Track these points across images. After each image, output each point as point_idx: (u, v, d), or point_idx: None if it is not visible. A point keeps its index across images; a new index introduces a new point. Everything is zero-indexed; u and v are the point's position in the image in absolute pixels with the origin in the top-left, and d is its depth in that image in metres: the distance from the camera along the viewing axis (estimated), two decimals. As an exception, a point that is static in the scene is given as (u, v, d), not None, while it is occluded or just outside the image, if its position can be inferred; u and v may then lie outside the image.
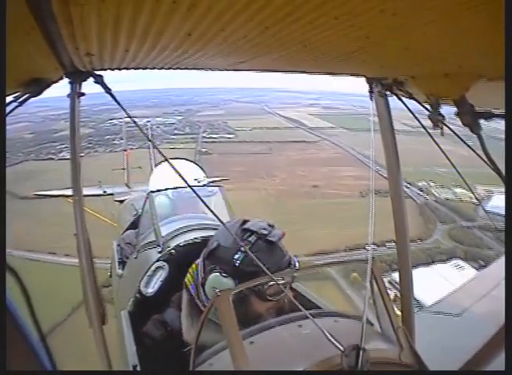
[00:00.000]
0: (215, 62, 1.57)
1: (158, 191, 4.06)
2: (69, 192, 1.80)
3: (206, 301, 1.93)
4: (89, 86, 1.63)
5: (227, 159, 70.97)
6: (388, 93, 1.88)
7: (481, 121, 1.48)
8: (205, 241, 2.14)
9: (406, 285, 2.09)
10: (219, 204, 3.88)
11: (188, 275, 2.08)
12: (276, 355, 1.35)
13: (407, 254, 2.08)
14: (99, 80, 1.59)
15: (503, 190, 1.15)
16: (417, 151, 47.83)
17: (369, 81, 1.91)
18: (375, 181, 1.85)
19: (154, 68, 1.62)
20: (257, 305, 1.83)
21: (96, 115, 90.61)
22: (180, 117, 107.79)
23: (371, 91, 1.92)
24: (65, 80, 1.59)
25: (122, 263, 4.19)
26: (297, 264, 1.94)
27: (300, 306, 1.40)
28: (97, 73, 1.58)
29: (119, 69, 1.56)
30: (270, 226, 1.94)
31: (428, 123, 1.65)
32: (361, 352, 1.22)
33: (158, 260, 2.86)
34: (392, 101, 1.90)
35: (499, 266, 4.44)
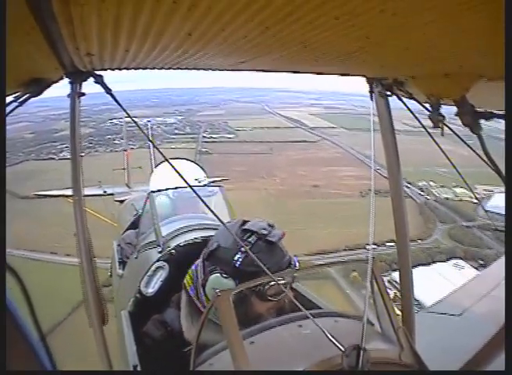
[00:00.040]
0: (216, 62, 1.57)
1: (159, 191, 4.06)
2: (70, 192, 1.80)
3: (206, 301, 1.93)
4: (90, 86, 1.63)
5: (227, 159, 71.06)
6: (388, 93, 1.87)
7: (482, 121, 1.48)
8: (205, 241, 2.14)
9: (406, 285, 2.08)
10: (220, 204, 3.88)
11: (187, 276, 2.08)
12: (276, 355, 1.35)
13: (407, 254, 2.08)
14: (99, 80, 1.59)
15: (503, 189, 1.15)
16: (417, 151, 47.87)
17: (369, 81, 1.91)
18: (375, 181, 1.85)
19: (154, 68, 1.61)
20: (257, 305, 1.83)
21: (97, 115, 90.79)
22: (181, 117, 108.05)
23: (371, 91, 1.91)
24: (66, 80, 1.59)
25: (123, 263, 4.19)
26: (297, 264, 1.94)
27: (300, 306, 1.41)
28: (98, 73, 1.58)
29: (120, 69, 1.56)
30: (270, 226, 1.94)
31: (428, 122, 1.65)
32: (362, 352, 1.22)
33: (158, 260, 2.86)
34: (393, 100, 1.90)
35: (499, 266, 4.43)
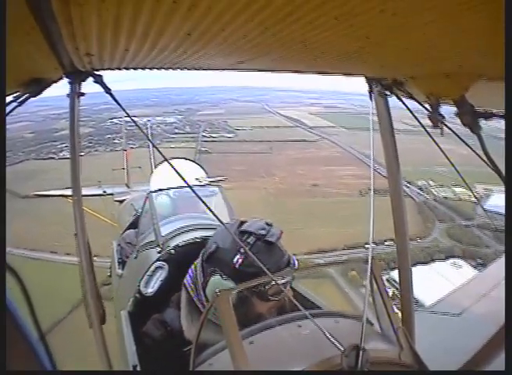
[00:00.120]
0: (215, 62, 1.57)
1: (158, 190, 4.06)
2: (69, 192, 1.80)
3: (206, 302, 1.93)
4: (90, 85, 1.63)
5: (227, 158, 71.03)
6: (387, 93, 1.87)
7: (481, 121, 1.48)
8: (205, 240, 2.15)
9: (406, 285, 2.08)
10: (219, 204, 3.88)
11: (187, 276, 2.08)
12: (276, 355, 1.35)
13: (406, 253, 2.07)
14: (99, 80, 1.59)
15: (502, 189, 1.15)
16: (417, 151, 47.89)
17: (369, 81, 1.91)
18: (374, 180, 1.85)
19: (153, 68, 1.61)
20: (257, 305, 1.83)
21: (97, 114, 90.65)
22: (180, 116, 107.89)
23: (370, 91, 1.92)
24: (66, 80, 1.59)
25: (122, 263, 4.19)
26: (296, 263, 1.94)
27: (299, 306, 1.41)
28: (97, 72, 1.58)
29: (119, 69, 1.56)
30: (268, 225, 1.94)
31: (428, 122, 1.65)
32: (361, 352, 1.22)
33: (157, 260, 2.86)
34: (393, 100, 1.90)
35: (499, 266, 4.44)
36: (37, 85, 1.46)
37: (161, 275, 2.78)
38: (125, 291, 3.29)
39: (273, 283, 1.75)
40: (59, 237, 36.31)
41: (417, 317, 2.07)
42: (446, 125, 1.58)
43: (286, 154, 76.40)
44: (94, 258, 1.91)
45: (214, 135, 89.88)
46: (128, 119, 1.99)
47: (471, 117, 1.46)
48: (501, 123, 1.21)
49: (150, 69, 1.62)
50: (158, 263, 2.83)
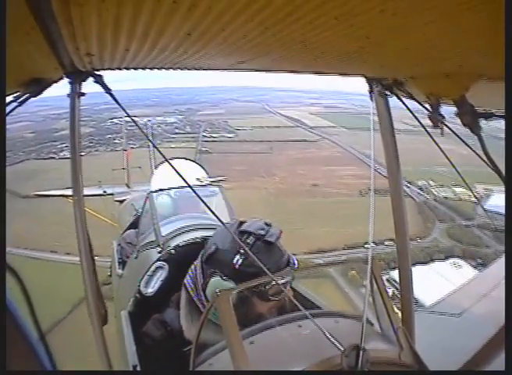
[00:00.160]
0: (215, 62, 1.57)
1: (158, 190, 4.06)
2: (70, 192, 1.80)
3: (206, 303, 1.93)
4: (90, 85, 1.63)
5: (227, 158, 71.03)
6: (388, 93, 1.87)
7: (481, 121, 1.48)
8: (205, 241, 2.15)
9: (406, 285, 2.08)
10: (220, 204, 3.88)
11: (187, 276, 2.08)
12: (276, 355, 1.35)
13: (406, 253, 2.07)
14: (99, 80, 1.59)
15: (502, 189, 1.15)
16: (417, 151, 47.85)
17: (369, 81, 1.91)
18: (375, 180, 1.85)
19: (154, 68, 1.61)
20: (257, 305, 1.83)
21: (97, 114, 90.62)
22: (181, 116, 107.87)
23: (371, 91, 1.91)
24: (66, 80, 1.59)
25: (123, 263, 4.19)
26: (296, 263, 1.94)
27: (300, 306, 1.41)
28: (98, 72, 1.58)
29: (119, 69, 1.56)
30: (267, 224, 1.94)
31: (428, 122, 1.65)
32: (361, 352, 1.22)
33: (158, 260, 2.86)
34: (393, 100, 1.90)
35: (499, 266, 4.44)
36: (37, 85, 1.46)
37: (161, 275, 2.77)
38: (125, 291, 3.29)
39: (273, 283, 1.76)
40: (59, 237, 36.36)
41: (417, 317, 2.07)
42: (446, 125, 1.57)
43: (287, 154, 76.41)
44: (95, 258, 1.91)
45: (214, 135, 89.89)
46: (128, 119, 1.99)
47: (471, 117, 1.46)
48: (501, 123, 1.21)
49: (150, 69, 1.62)
50: (159, 263, 2.83)
